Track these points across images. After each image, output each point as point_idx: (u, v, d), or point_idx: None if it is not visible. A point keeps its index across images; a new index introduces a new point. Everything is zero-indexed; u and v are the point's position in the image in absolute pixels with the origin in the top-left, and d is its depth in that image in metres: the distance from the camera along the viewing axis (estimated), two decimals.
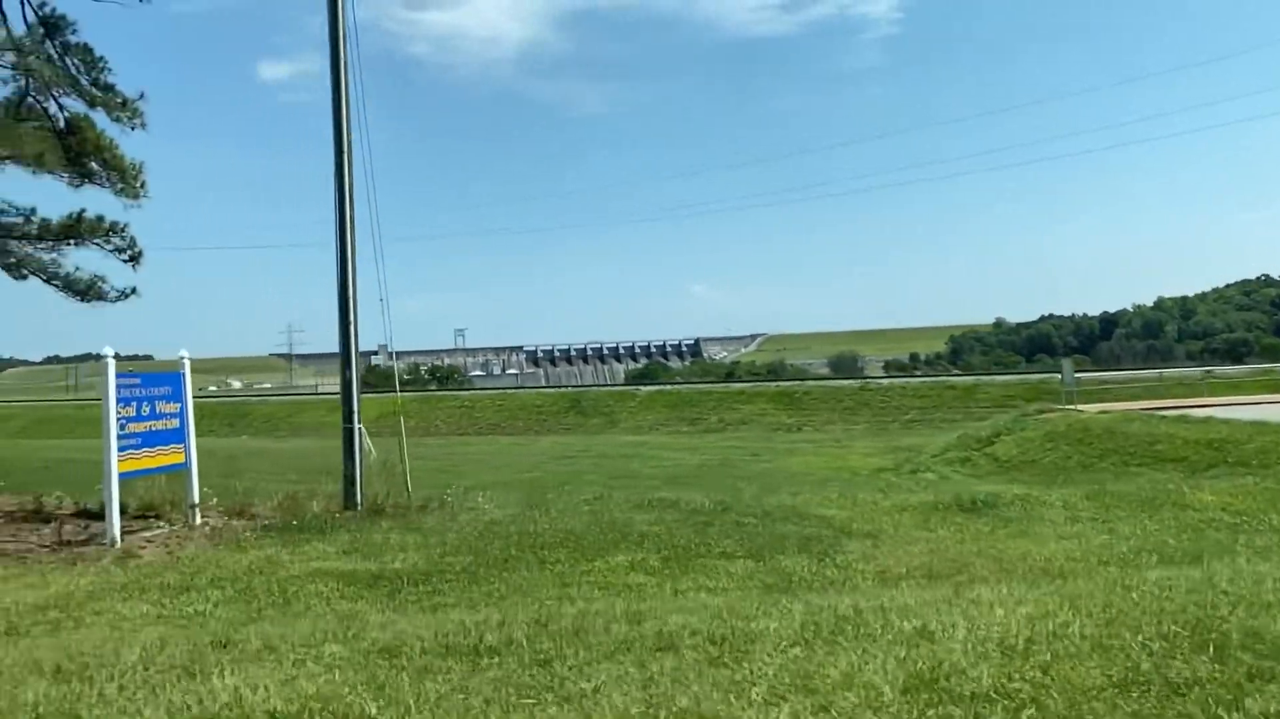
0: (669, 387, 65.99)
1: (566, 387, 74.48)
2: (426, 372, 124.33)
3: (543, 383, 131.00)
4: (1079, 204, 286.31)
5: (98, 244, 17.30)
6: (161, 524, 12.20)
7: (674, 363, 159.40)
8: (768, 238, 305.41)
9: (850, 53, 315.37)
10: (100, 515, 12.60)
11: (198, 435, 12.59)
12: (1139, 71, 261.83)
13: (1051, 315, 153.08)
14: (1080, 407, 30.03)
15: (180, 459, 12.24)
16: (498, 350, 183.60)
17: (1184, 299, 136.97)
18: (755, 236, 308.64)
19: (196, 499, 12.48)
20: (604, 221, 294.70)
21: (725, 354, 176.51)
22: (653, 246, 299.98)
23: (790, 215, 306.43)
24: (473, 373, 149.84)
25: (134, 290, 17.89)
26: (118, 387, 11.23)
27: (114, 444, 11.24)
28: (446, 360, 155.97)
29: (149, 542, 11.57)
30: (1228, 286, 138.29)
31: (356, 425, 13.45)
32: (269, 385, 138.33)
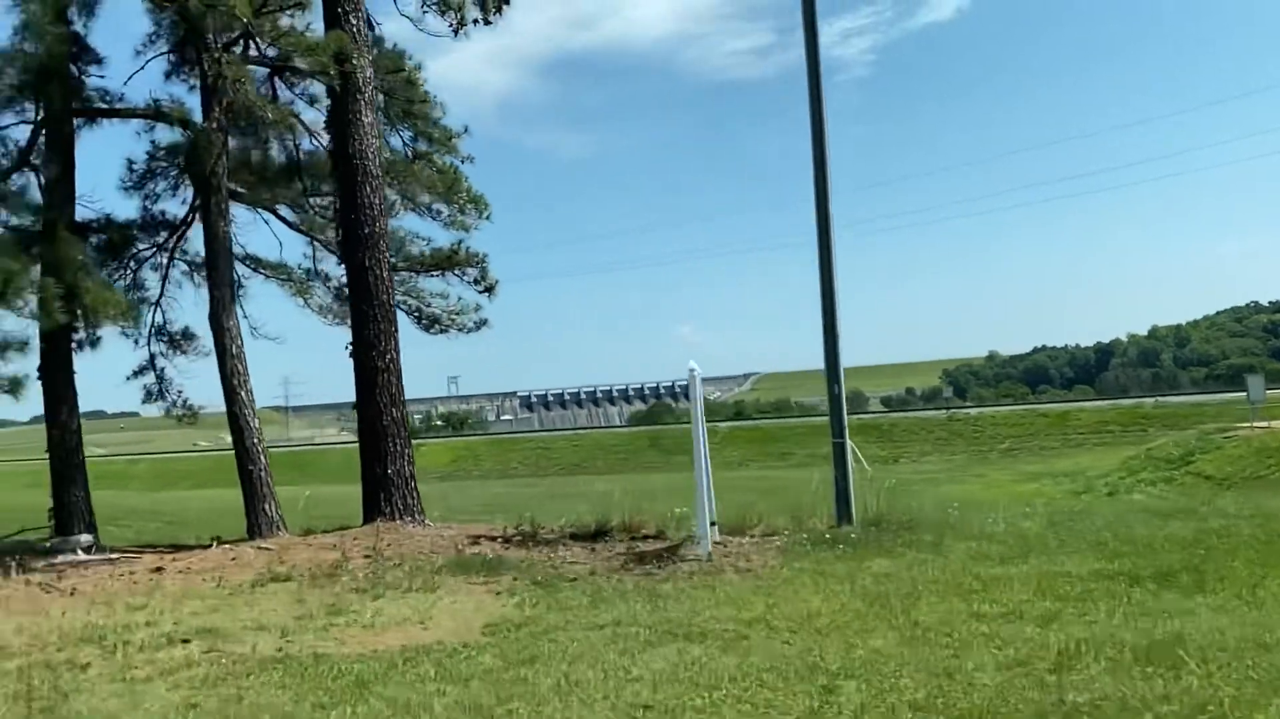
0: (747, 422, 65.88)
1: (637, 426, 73.95)
2: (440, 418, 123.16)
3: (536, 427, 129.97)
4: (1063, 240, 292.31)
5: (457, 275, 17.07)
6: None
7: (670, 404, 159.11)
8: (753, 278, 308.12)
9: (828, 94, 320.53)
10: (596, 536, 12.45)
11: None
12: (1104, 121, 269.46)
13: (1045, 347, 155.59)
14: (1270, 423, 30.34)
15: None
16: (491, 396, 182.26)
17: (1178, 327, 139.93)
18: (740, 278, 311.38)
19: (714, 516, 12.34)
20: (589, 267, 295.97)
21: (719, 394, 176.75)
22: (638, 289, 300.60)
23: (771, 257, 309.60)
24: (491, 417, 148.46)
25: (485, 322, 17.65)
26: None
27: (705, 456, 11.19)
28: (440, 407, 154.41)
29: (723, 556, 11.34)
30: (1219, 314, 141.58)
31: (846, 440, 13.40)
32: (266, 439, 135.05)
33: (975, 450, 51.26)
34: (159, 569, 11.51)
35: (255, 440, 13.50)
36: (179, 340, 16.23)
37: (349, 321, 15.64)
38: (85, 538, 13.17)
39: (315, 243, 17.06)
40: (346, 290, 14.74)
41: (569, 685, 6.21)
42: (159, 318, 16.34)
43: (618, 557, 11.84)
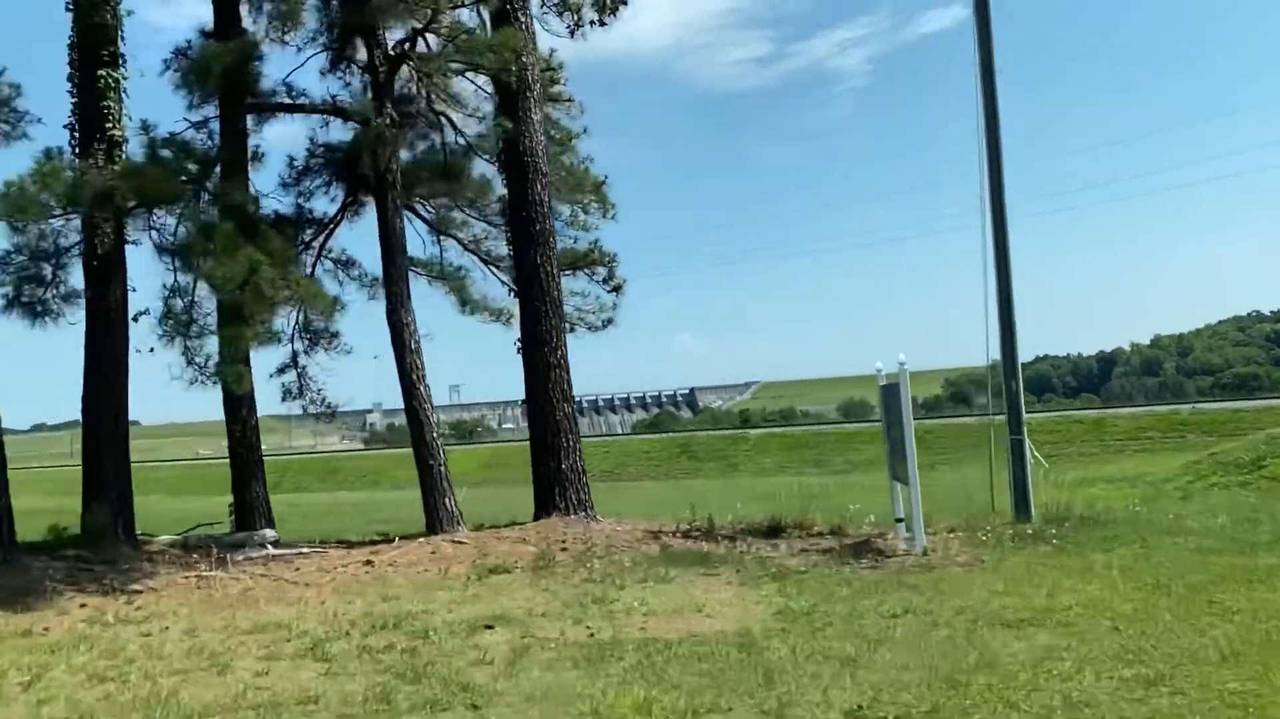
0: (777, 429, 65.92)
1: (669, 432, 73.92)
2: (448, 426, 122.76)
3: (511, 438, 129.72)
4: (1061, 250, 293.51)
5: (586, 273, 17.12)
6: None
7: (673, 412, 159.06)
8: (752, 287, 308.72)
9: (824, 104, 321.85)
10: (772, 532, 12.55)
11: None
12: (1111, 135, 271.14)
13: (1047, 356, 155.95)
14: None
15: None
16: (493, 405, 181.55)
17: (1180, 336, 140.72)
18: (740, 287, 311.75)
19: (903, 513, 12.49)
20: None
21: (721, 403, 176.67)
22: (638, 298, 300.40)
23: (772, 267, 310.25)
24: (494, 426, 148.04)
25: (612, 320, 17.69)
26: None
27: (912, 448, 11.39)
28: (442, 416, 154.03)
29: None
30: (1221, 323, 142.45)
31: (1025, 437, 13.53)
32: (264, 447, 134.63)
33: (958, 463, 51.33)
34: (369, 562, 11.52)
35: (434, 435, 13.54)
36: (322, 338, 16.23)
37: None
38: (270, 533, 13.17)
39: (452, 240, 17.08)
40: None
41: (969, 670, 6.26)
42: (302, 315, 16.33)
43: (815, 551, 11.92)
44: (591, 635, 7.94)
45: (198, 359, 14.02)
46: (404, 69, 14.18)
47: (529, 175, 14.19)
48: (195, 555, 11.94)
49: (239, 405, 13.84)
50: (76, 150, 12.49)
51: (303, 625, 8.50)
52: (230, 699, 6.28)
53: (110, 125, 12.54)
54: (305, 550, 12.62)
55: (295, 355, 16.50)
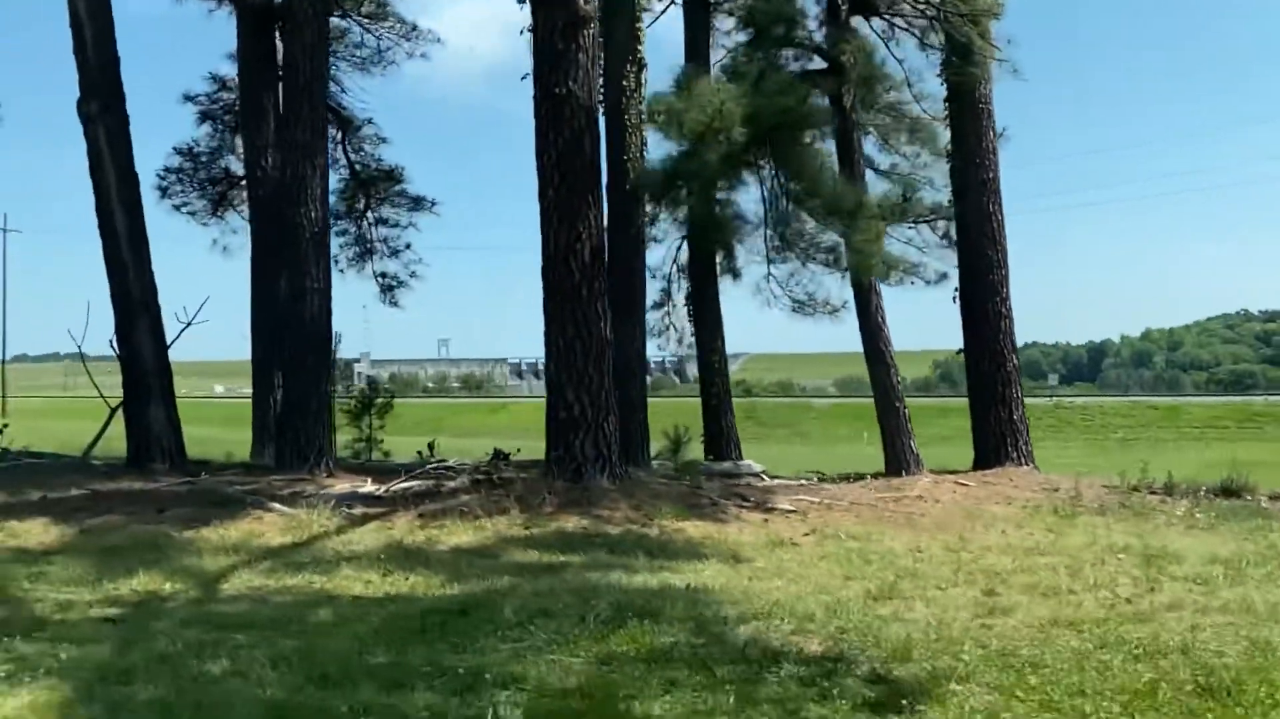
0: (845, 400, 66.14)
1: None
2: (459, 380, 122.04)
3: (527, 394, 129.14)
4: (1051, 244, 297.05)
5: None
6: None
7: (672, 379, 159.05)
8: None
9: None
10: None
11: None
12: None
13: (1037, 343, 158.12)
14: None
15: None
16: (481, 362, 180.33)
17: (1170, 331, 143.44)
18: None
19: None
20: None
21: None
22: None
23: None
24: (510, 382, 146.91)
25: (946, 275, 17.57)
26: None
27: None
28: (430, 370, 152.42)
29: None
30: (1210, 319, 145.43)
31: None
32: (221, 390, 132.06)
33: (1091, 439, 52.09)
34: (945, 491, 11.53)
35: (897, 380, 13.43)
36: None
37: None
38: (755, 464, 12.98)
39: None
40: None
41: None
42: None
43: None
44: None
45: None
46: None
47: (983, 122, 14.03)
48: (712, 483, 11.74)
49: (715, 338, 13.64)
50: None
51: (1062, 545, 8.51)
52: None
53: None
54: (793, 483, 12.45)
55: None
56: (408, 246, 17.58)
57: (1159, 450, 48.03)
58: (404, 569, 7.85)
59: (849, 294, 13.49)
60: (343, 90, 15.71)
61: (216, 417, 60.42)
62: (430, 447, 13.73)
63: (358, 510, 10.03)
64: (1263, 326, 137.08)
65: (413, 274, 18.24)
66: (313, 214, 11.52)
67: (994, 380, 14.05)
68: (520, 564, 8.08)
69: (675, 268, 17.06)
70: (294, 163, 11.41)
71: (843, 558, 8.46)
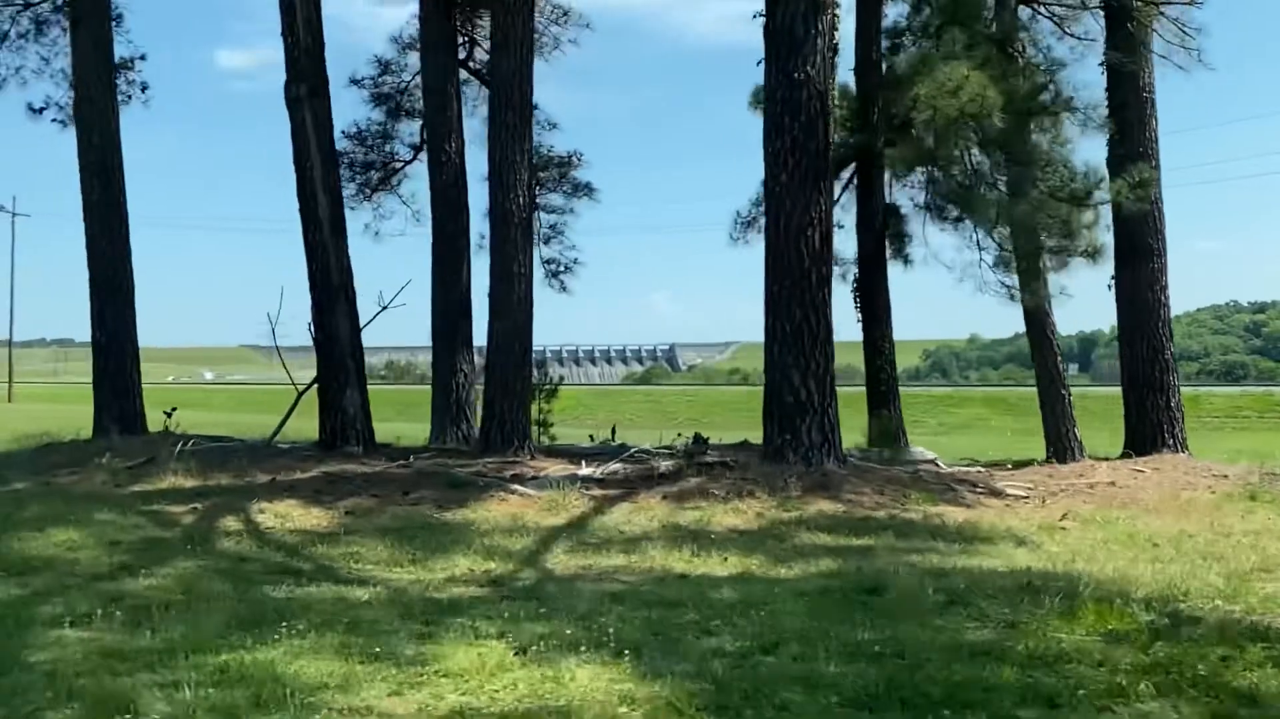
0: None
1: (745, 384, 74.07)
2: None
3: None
4: None
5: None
6: None
7: (666, 368, 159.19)
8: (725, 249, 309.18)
9: None
10: None
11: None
12: None
13: (1024, 333, 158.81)
14: None
15: None
16: (480, 349, 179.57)
17: None
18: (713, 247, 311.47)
19: None
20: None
21: (700, 360, 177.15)
22: (614, 253, 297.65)
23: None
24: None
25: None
26: None
27: None
28: (420, 357, 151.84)
29: None
30: (1199, 310, 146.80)
31: None
32: (241, 378, 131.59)
33: (1111, 428, 52.52)
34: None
35: (1058, 362, 13.65)
36: None
37: None
38: (927, 452, 13.09)
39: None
40: None
41: None
42: None
43: None
44: None
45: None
46: None
47: (1146, 110, 14.16)
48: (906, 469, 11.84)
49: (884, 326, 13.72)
50: None
51: None
52: None
53: None
54: (978, 469, 12.58)
55: None
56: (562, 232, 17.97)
57: (1198, 438, 48.47)
58: (714, 549, 7.87)
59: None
60: None
61: (227, 402, 60.13)
62: (612, 432, 13.78)
63: (595, 493, 10.07)
64: (1252, 318, 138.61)
65: (575, 260, 18.66)
66: (520, 199, 11.51)
67: (1152, 367, 14.26)
68: (820, 546, 8.12)
69: None
70: (505, 145, 11.37)
71: (1124, 540, 8.56)
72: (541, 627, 5.44)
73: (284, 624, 5.48)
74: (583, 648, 4.95)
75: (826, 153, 10.62)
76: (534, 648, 4.98)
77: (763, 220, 17.17)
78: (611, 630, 5.22)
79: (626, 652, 4.89)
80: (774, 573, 7.17)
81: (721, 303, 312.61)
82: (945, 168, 11.78)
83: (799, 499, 9.62)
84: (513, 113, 11.44)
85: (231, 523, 8.91)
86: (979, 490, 10.55)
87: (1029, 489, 10.85)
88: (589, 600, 6.19)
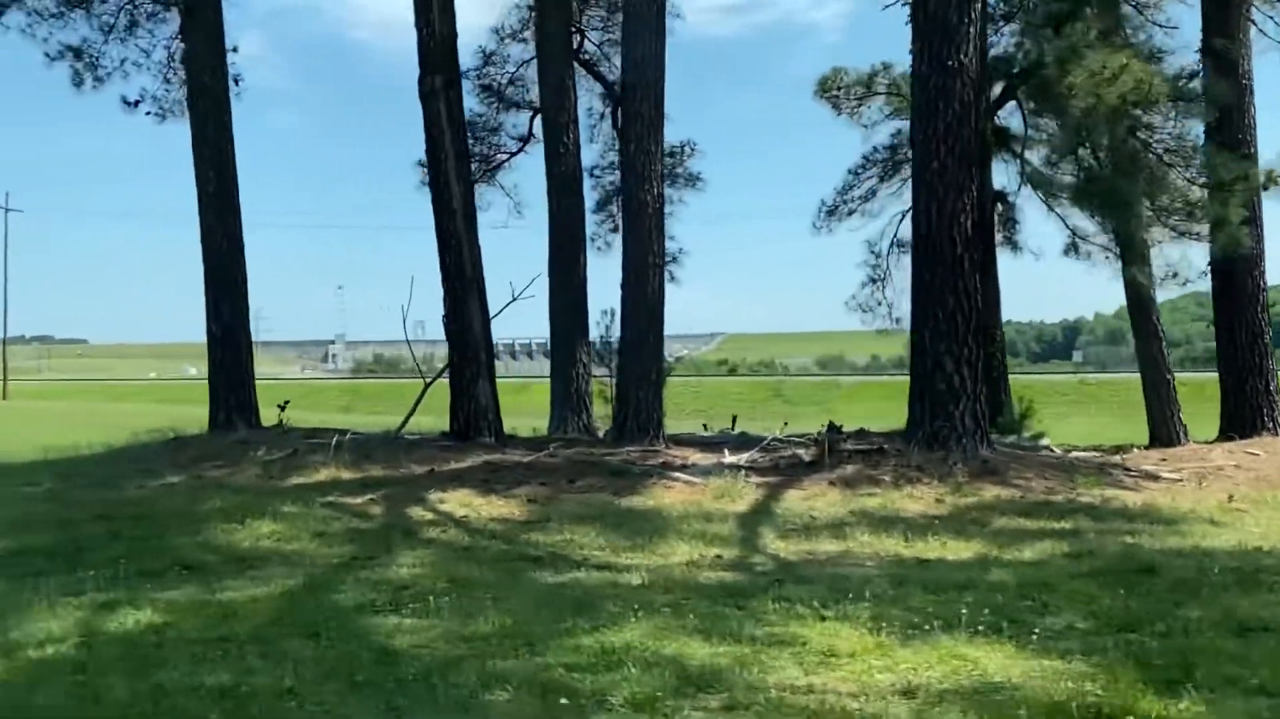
0: (867, 378, 66.79)
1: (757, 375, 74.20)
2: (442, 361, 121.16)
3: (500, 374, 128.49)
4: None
5: None
6: None
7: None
8: (707, 239, 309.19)
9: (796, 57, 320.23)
10: None
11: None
12: None
13: (1011, 321, 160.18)
14: None
15: None
16: None
17: None
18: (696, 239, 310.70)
19: None
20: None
21: (686, 352, 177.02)
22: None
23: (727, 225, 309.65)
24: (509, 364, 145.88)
25: None
26: None
27: None
28: (418, 351, 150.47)
29: None
30: (1181, 297, 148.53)
31: None
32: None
33: (1119, 414, 53.10)
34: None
35: (1166, 353, 13.80)
36: None
37: None
38: (1046, 439, 13.22)
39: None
40: None
41: None
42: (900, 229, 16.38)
43: None
44: None
45: None
46: None
47: (1245, 98, 14.33)
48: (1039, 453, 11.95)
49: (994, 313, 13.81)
50: None
51: None
52: None
53: None
54: (1074, 455, 12.69)
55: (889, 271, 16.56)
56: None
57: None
58: (925, 534, 7.89)
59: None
60: (604, 58, 15.54)
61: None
62: (733, 421, 13.85)
63: (754, 480, 10.11)
64: None
65: (680, 249, 18.62)
66: (655, 191, 11.52)
67: (1251, 352, 14.44)
68: (1026, 530, 8.16)
69: (893, 243, 17.27)
70: (640, 136, 11.39)
71: None
72: (864, 609, 5.47)
73: (600, 609, 5.49)
74: (935, 628, 4.98)
75: (978, 139, 10.69)
76: (885, 630, 5.01)
77: (846, 208, 17.43)
78: (962, 612, 5.24)
79: (993, 632, 4.93)
80: (1011, 555, 7.22)
81: (704, 295, 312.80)
82: (1095, 154, 11.87)
83: (969, 485, 9.69)
84: (648, 103, 11.44)
85: (421, 513, 8.88)
86: (1134, 474, 10.67)
87: (1177, 473, 10.98)
88: (865, 584, 6.20)
